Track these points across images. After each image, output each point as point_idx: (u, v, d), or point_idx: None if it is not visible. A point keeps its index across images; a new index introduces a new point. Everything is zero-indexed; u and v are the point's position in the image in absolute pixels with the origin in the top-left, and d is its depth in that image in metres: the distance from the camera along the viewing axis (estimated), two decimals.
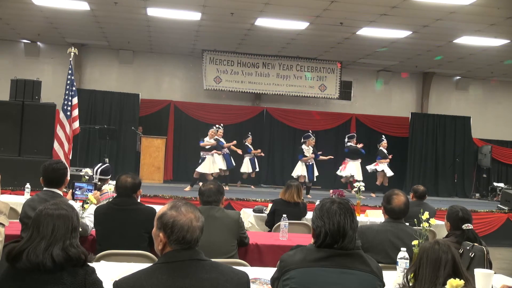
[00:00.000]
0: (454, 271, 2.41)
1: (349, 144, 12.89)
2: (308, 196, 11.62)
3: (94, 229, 4.25)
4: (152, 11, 10.63)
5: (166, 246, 2.20)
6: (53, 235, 2.41)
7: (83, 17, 11.32)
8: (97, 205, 4.35)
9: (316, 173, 12.30)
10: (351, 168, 12.66)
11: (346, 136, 13.25)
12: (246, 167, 13.18)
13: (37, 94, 9.43)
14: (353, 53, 13.65)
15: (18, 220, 4.21)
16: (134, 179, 4.23)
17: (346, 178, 12.84)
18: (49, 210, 2.48)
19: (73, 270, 2.40)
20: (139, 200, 4.39)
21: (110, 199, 4.55)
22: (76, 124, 9.02)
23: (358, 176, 12.39)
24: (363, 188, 7.34)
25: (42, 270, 2.35)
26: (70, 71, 9.10)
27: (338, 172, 12.94)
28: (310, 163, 12.19)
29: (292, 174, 12.09)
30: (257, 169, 13.37)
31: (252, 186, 13.46)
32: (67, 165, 4.68)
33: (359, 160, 12.72)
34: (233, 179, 13.34)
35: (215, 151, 11.70)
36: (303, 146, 12.26)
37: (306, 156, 12.08)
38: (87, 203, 4.29)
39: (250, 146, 13.24)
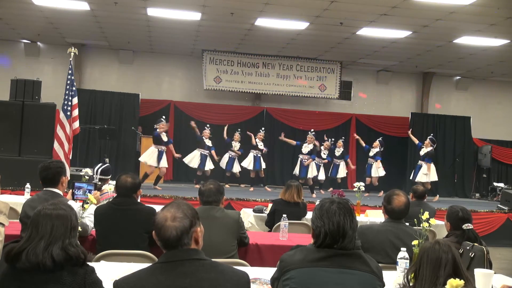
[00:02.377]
0: (454, 271, 2.41)
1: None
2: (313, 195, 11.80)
3: (94, 229, 4.25)
4: (152, 11, 10.63)
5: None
6: (52, 234, 2.41)
7: (83, 17, 11.32)
8: (97, 205, 4.35)
9: (316, 172, 12.46)
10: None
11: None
12: (247, 163, 12.84)
13: (37, 94, 9.43)
14: (353, 53, 13.65)
15: (18, 220, 4.21)
16: (134, 179, 4.23)
17: None
18: (47, 210, 2.48)
19: (73, 269, 2.40)
20: (139, 200, 4.39)
21: (110, 199, 4.55)
22: (76, 124, 9.01)
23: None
24: (363, 188, 7.34)
25: (42, 269, 2.35)
26: (70, 71, 9.09)
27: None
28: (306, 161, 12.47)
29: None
30: (263, 167, 13.05)
31: (267, 188, 13.06)
32: (65, 165, 4.67)
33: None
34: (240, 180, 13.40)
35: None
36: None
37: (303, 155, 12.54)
38: (87, 203, 4.29)
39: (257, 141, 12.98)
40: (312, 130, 13.01)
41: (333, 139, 13.37)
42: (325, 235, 2.39)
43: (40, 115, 9.29)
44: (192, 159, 12.42)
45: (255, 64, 14.37)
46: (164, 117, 12.12)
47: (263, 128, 13.29)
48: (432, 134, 13.09)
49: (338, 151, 13.30)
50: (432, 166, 12.38)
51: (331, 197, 2.65)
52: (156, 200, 8.83)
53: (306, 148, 12.58)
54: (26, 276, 2.36)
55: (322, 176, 12.76)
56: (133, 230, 4.01)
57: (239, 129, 13.09)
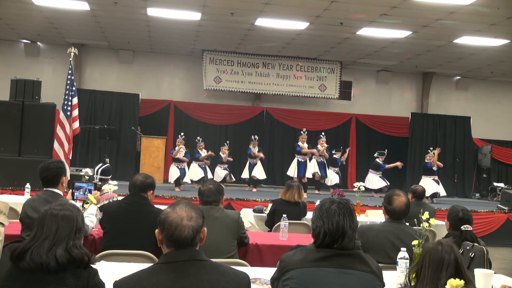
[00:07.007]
0: (456, 272, 2.40)
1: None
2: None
3: (94, 229, 4.24)
4: (152, 11, 10.63)
5: (163, 244, 2.21)
6: (57, 235, 2.41)
7: (83, 17, 11.32)
8: (97, 205, 4.34)
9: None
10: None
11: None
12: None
13: (37, 94, 9.44)
14: (353, 53, 13.65)
15: (18, 220, 4.20)
16: (145, 178, 4.21)
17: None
18: (54, 211, 2.49)
19: (76, 271, 2.40)
20: None
21: (111, 199, 4.55)
22: (76, 124, 9.00)
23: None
24: (363, 188, 7.35)
25: (45, 270, 2.35)
26: (70, 71, 9.08)
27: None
28: (303, 160, 12.52)
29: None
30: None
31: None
32: (65, 165, 4.66)
33: None
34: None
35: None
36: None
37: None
38: (87, 203, 4.29)
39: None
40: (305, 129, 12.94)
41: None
42: (325, 235, 2.39)
43: (40, 115, 9.29)
44: (195, 174, 12.26)
45: (255, 64, 14.37)
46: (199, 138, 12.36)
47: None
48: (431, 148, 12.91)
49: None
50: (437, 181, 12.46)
51: (331, 197, 2.65)
52: (156, 200, 8.76)
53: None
54: (29, 276, 2.36)
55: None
56: (141, 231, 3.96)
57: (198, 138, 12.64)
